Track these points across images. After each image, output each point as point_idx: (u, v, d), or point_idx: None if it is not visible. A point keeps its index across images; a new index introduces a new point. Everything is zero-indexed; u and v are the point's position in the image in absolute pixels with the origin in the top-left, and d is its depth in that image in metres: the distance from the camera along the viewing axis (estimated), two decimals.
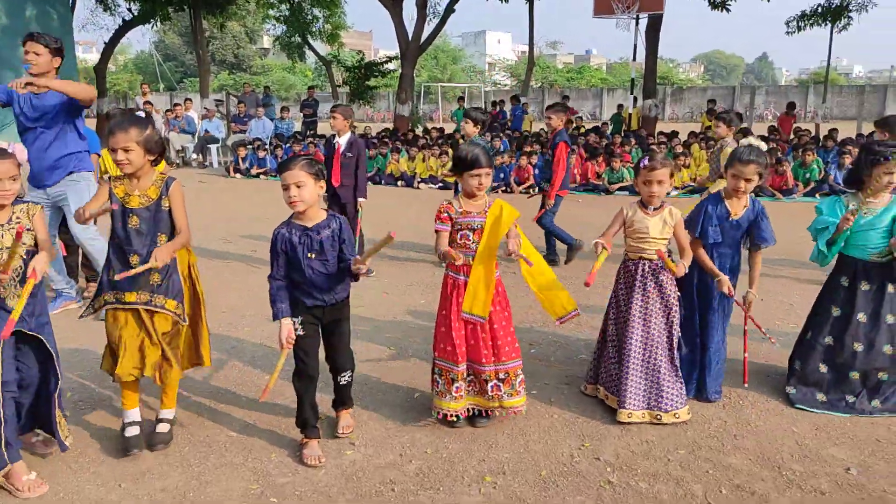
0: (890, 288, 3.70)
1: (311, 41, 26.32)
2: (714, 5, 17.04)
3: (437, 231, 3.57)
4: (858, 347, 3.78)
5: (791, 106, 17.12)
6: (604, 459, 3.38)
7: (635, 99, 18.76)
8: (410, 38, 19.45)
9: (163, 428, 3.52)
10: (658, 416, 3.66)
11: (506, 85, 52.22)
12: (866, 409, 3.77)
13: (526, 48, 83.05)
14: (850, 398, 3.80)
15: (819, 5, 17.98)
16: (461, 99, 22.54)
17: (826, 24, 18.02)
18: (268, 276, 3.30)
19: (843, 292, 3.80)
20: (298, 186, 3.08)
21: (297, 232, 3.20)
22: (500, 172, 12.79)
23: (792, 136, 15.30)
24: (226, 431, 3.66)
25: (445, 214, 3.55)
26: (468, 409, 3.66)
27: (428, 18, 19.91)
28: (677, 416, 3.67)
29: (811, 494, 3.08)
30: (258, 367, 4.52)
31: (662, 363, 3.66)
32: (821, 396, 3.87)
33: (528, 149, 13.73)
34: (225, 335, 5.04)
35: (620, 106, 19.81)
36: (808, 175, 11.98)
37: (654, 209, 3.67)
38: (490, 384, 3.58)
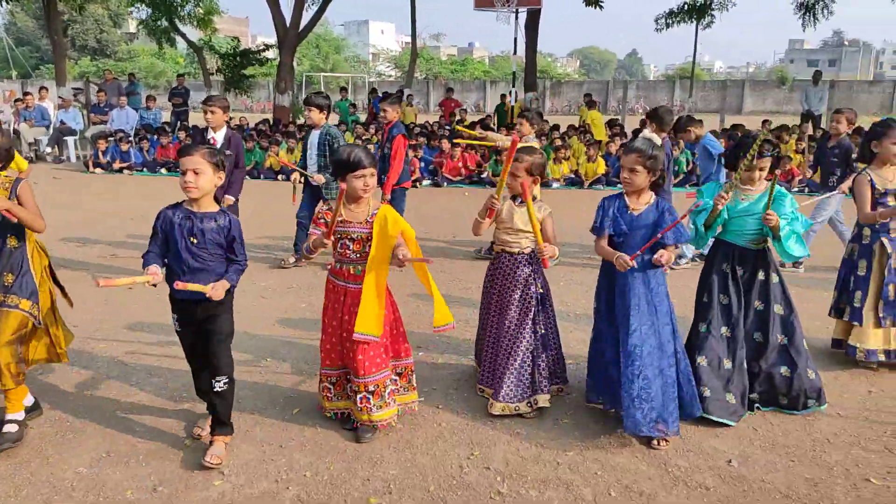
0: (760, 275, 3.75)
1: (179, 25, 24.71)
2: (588, 2, 17.59)
3: (310, 234, 3.44)
4: (757, 336, 3.79)
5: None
6: (493, 468, 3.25)
7: (515, 92, 19.01)
8: (288, 25, 18.70)
9: (10, 428, 3.38)
10: (535, 401, 3.71)
11: (390, 76, 51.85)
12: (755, 402, 3.79)
13: (408, 38, 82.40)
14: (745, 396, 3.73)
15: (685, 3, 19.01)
16: (343, 90, 21.99)
17: (692, 22, 19.11)
18: (142, 254, 3.21)
19: (727, 279, 3.77)
20: (196, 173, 3.06)
21: (181, 214, 3.15)
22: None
23: None
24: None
25: (322, 220, 3.38)
26: (347, 413, 3.63)
27: (307, 5, 19.22)
28: (541, 401, 3.70)
29: (697, 490, 3.09)
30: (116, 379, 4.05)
31: (520, 354, 3.68)
32: (730, 398, 3.67)
33: (412, 141, 13.61)
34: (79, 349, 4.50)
35: (504, 96, 20.04)
36: (675, 168, 12.57)
37: (521, 202, 3.66)
38: (359, 396, 3.46)
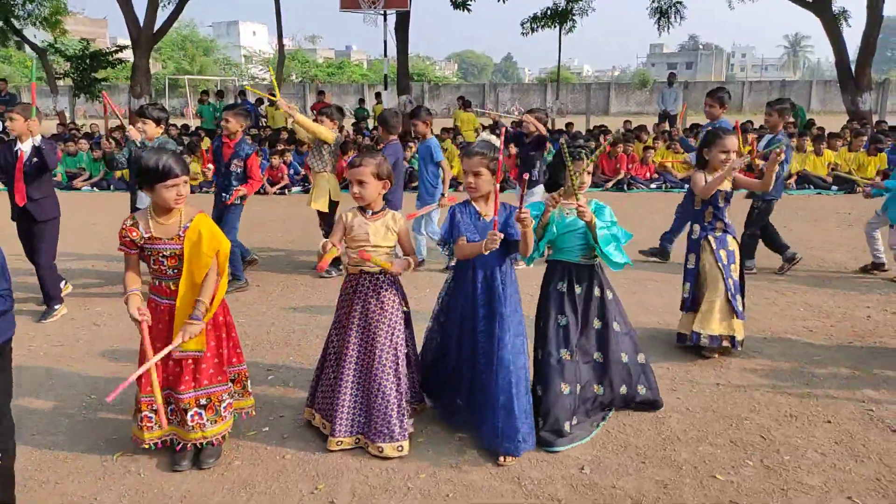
0: (596, 291, 3.68)
1: (20, 26, 22.55)
2: (456, 5, 17.71)
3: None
4: (597, 356, 3.70)
5: (532, 111, 18.41)
6: (338, 502, 3.00)
7: (378, 95, 18.85)
8: (142, 26, 17.54)
9: None
10: (380, 449, 3.31)
11: (264, 79, 50.17)
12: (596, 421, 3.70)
13: (285, 41, 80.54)
14: (590, 419, 3.68)
15: (548, 8, 19.59)
16: (205, 93, 20.74)
17: (555, 27, 19.73)
18: None
19: (563, 298, 3.65)
20: None
21: None
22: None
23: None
24: None
25: (128, 239, 3.00)
26: (169, 440, 3.29)
27: (162, 4, 18.11)
28: (401, 448, 3.32)
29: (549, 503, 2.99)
30: None
31: (386, 388, 3.32)
32: (567, 426, 3.49)
33: (280, 147, 13.12)
34: None
35: (362, 101, 19.88)
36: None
37: (374, 213, 3.37)
38: (190, 413, 3.18)
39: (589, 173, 3.61)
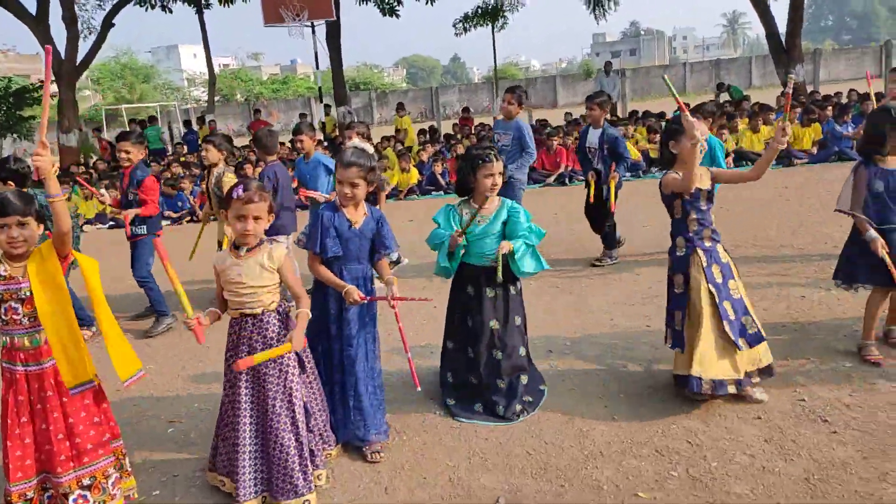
0: (511, 290, 3.68)
1: None
2: (384, 12, 17.48)
3: None
4: (498, 355, 3.70)
5: (465, 110, 18.26)
6: None
7: (327, 106, 18.50)
8: (64, 58, 16.90)
9: None
10: None
11: (206, 101, 49.26)
12: (515, 413, 3.67)
13: (226, 60, 78.74)
14: (501, 407, 3.69)
15: (478, 7, 19.48)
16: (150, 118, 19.96)
17: (487, 24, 19.62)
18: None
19: (471, 301, 3.68)
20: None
21: None
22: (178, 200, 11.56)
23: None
24: None
25: None
26: None
27: (83, 34, 17.51)
28: (307, 503, 3.01)
29: None
30: None
31: (283, 440, 3.01)
32: (478, 406, 3.75)
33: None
34: None
35: (303, 115, 19.56)
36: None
37: (248, 250, 3.04)
38: (73, 497, 2.87)
39: (500, 174, 3.53)
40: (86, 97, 50.17)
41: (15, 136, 19.32)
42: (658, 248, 6.68)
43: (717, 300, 3.50)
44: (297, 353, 3.16)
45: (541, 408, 3.76)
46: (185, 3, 19.00)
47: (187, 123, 18.26)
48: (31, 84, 20.19)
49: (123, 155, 5.57)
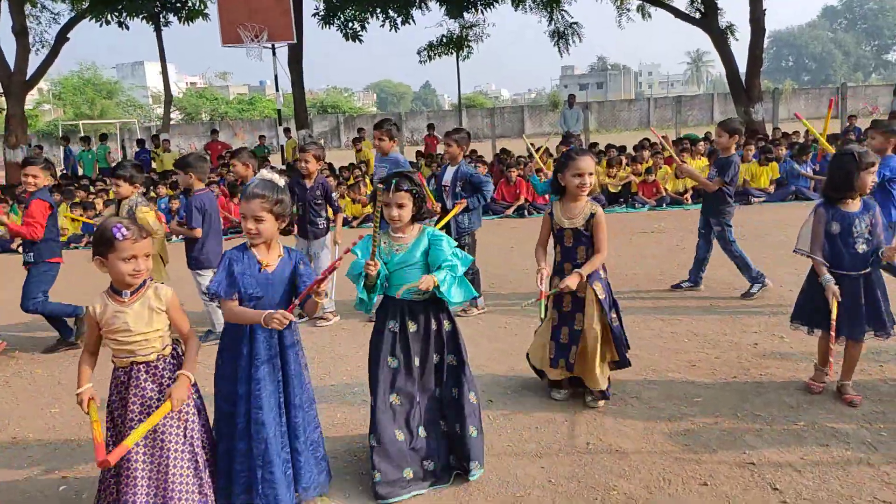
0: (433, 325, 3.31)
1: None
2: (347, 37, 17.34)
3: None
4: (426, 399, 3.34)
5: (430, 127, 18.18)
6: None
7: (287, 130, 18.17)
8: (13, 71, 16.31)
9: None
10: None
11: (171, 119, 48.46)
12: (454, 468, 3.32)
13: (194, 79, 78.01)
14: (429, 464, 3.30)
15: (443, 36, 19.47)
16: (84, 139, 19.12)
17: (451, 54, 19.60)
18: None
19: (395, 339, 3.30)
20: None
21: None
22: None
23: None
24: None
25: None
26: None
27: (35, 48, 16.96)
28: None
29: None
30: None
31: (185, 495, 2.69)
32: (408, 473, 3.25)
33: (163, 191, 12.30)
34: None
35: (262, 137, 19.27)
36: None
37: (132, 293, 2.72)
38: None
39: (402, 205, 3.20)
40: (46, 111, 49.05)
41: None
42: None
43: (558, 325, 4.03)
44: (197, 394, 2.85)
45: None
46: (144, 21, 18.60)
47: (141, 142, 17.74)
48: None
49: (30, 180, 5.24)
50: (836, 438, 3.55)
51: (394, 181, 3.16)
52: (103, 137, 18.11)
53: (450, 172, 5.99)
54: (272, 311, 2.80)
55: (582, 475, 3.37)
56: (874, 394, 4.03)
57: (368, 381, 3.35)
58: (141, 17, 18.44)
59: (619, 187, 12.05)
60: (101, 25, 17.54)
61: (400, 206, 3.16)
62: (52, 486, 3.55)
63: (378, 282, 3.17)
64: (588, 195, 3.91)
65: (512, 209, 11.72)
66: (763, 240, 8.32)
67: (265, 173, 2.94)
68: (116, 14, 17.84)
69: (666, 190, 11.68)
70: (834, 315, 3.73)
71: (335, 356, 5.23)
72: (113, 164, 17.40)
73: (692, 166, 11.92)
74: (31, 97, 47.92)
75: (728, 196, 6.10)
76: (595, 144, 16.05)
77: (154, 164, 16.52)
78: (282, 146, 17.75)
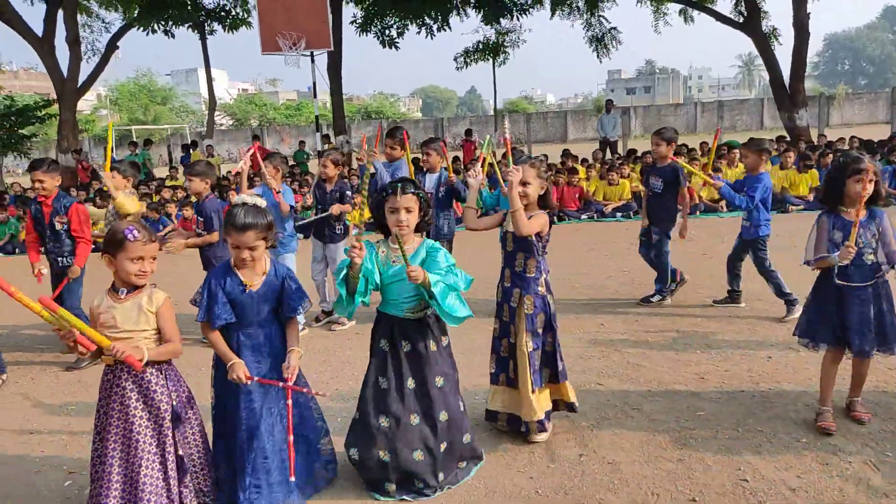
0: (421, 347, 3.24)
1: None
2: (384, 44, 17.56)
3: None
4: (415, 420, 3.27)
5: (468, 133, 18.25)
6: None
7: (326, 136, 18.45)
8: (66, 78, 17.01)
9: None
10: None
11: (221, 125, 49.76)
12: (440, 487, 3.30)
13: (246, 85, 79.17)
14: (419, 483, 3.26)
15: (479, 42, 19.51)
16: (133, 143, 19.74)
17: (488, 60, 19.64)
18: None
19: (387, 358, 3.27)
20: None
21: None
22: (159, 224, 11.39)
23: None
24: None
25: None
26: None
27: (87, 56, 17.65)
28: None
29: None
30: None
31: (153, 496, 2.78)
32: (390, 487, 3.25)
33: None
34: None
35: (302, 143, 19.57)
36: None
37: (128, 292, 2.85)
38: None
39: (408, 210, 3.12)
40: (103, 117, 50.96)
41: (15, 153, 19.40)
42: (618, 295, 6.38)
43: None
44: (173, 406, 2.92)
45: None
46: (189, 29, 19.20)
47: (186, 147, 18.28)
48: (35, 101, 20.32)
49: (37, 185, 5.38)
50: (837, 457, 3.43)
51: (399, 185, 3.09)
52: (147, 143, 18.71)
53: (431, 179, 6.07)
54: (239, 363, 2.93)
55: (570, 487, 3.34)
56: (886, 412, 3.88)
57: (361, 392, 3.34)
58: (187, 26, 19.06)
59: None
60: (147, 34, 18.17)
61: (408, 209, 3.08)
62: (58, 481, 3.69)
63: (366, 287, 3.12)
64: (548, 209, 3.70)
65: None
66: (794, 251, 8.05)
67: (247, 199, 2.98)
68: (163, 23, 18.48)
69: (700, 197, 11.42)
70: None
71: (343, 360, 5.30)
72: (150, 170, 17.99)
73: (726, 175, 11.67)
74: (89, 102, 50.02)
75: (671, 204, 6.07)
76: (633, 151, 15.79)
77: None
78: (319, 152, 18.03)
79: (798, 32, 15.95)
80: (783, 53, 16.83)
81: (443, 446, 3.30)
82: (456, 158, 17.03)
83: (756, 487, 3.22)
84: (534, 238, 3.60)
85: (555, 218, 11.62)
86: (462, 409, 3.40)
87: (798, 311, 5.37)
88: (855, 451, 3.48)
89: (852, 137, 14.12)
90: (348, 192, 6.09)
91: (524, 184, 3.56)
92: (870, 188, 3.54)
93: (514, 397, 3.72)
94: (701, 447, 3.63)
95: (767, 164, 5.68)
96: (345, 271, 3.08)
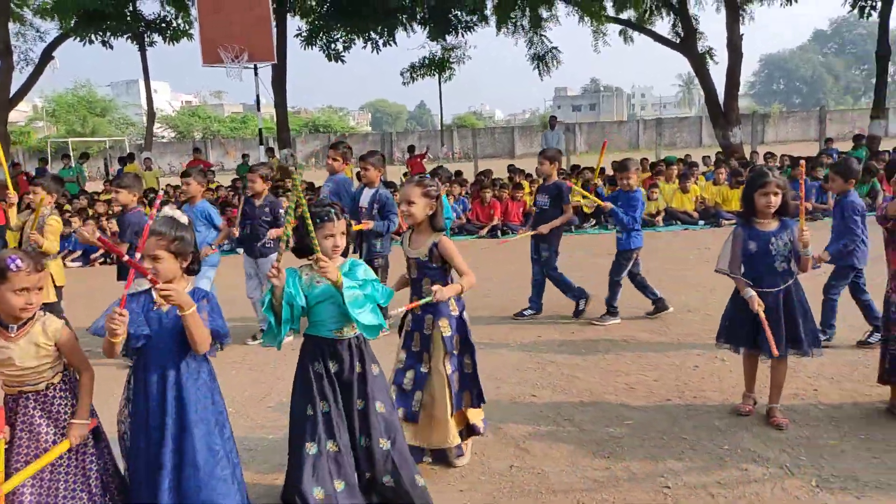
0: (358, 368, 3.14)
1: None
2: (330, 58, 17.55)
3: None
4: (334, 447, 3.08)
5: (411, 149, 18.35)
6: None
7: (270, 150, 18.26)
8: None
9: None
10: None
11: (163, 137, 48.66)
12: None
13: (189, 97, 77.69)
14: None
15: (425, 58, 19.69)
16: (66, 156, 19.05)
17: (434, 75, 19.82)
18: None
19: (318, 382, 3.11)
20: None
21: None
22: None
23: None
24: None
25: None
26: None
27: (20, 66, 17.06)
28: None
29: None
30: None
31: None
32: None
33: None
34: None
35: (246, 156, 19.35)
36: None
37: (19, 327, 2.66)
38: None
39: (343, 234, 3.10)
40: (39, 129, 49.13)
41: None
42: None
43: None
44: (96, 434, 2.82)
45: None
46: (129, 40, 18.76)
47: (123, 160, 17.78)
48: None
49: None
50: (755, 463, 3.56)
51: (332, 210, 3.04)
52: (83, 156, 18.17)
53: (367, 195, 6.05)
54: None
55: (499, 498, 3.37)
56: (804, 418, 4.05)
57: (289, 431, 3.14)
58: (126, 37, 18.63)
59: (593, 208, 12.10)
60: (84, 45, 17.67)
61: (343, 233, 3.07)
62: None
63: (292, 314, 3.03)
64: (435, 228, 3.55)
65: (485, 230, 11.77)
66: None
67: (167, 210, 2.87)
68: (100, 34, 18.01)
69: None
70: (767, 328, 3.72)
71: (276, 377, 5.21)
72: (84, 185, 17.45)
73: (663, 190, 12.04)
74: (24, 114, 48.19)
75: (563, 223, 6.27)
76: (576, 167, 16.17)
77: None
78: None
79: (731, 53, 16.61)
80: (718, 73, 17.49)
81: (386, 479, 3.15)
82: (404, 174, 17.09)
83: (678, 494, 3.31)
84: (437, 262, 3.53)
85: (499, 232, 11.74)
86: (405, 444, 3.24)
87: (612, 321, 6.07)
88: (772, 456, 3.61)
89: (783, 156, 14.75)
90: (281, 210, 6.00)
91: (409, 203, 3.47)
92: (776, 200, 3.74)
93: (416, 430, 3.56)
94: (627, 455, 3.72)
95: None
96: (268, 297, 3.02)
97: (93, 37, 17.84)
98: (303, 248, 3.10)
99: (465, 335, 3.60)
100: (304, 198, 2.84)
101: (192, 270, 2.85)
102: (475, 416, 3.74)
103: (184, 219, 2.83)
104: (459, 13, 18.77)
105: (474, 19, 18.97)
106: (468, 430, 3.74)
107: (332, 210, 3.07)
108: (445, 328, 3.51)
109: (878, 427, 3.88)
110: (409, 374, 3.55)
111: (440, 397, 3.51)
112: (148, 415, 2.72)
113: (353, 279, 3.04)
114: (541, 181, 6.93)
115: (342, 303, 2.98)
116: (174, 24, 19.21)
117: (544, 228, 6.19)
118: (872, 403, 4.18)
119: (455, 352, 3.55)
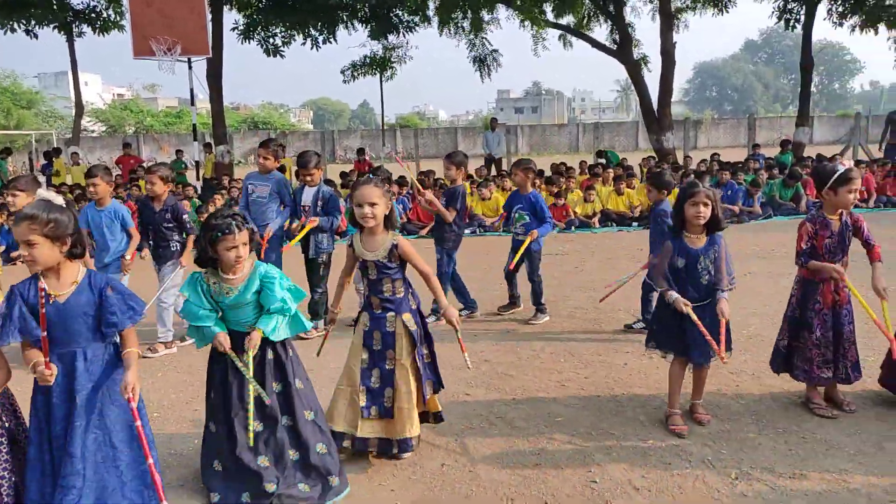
0: (269, 354, 3.33)
1: None
2: (268, 53, 17.23)
3: None
4: (259, 426, 3.28)
5: (360, 152, 18.18)
6: None
7: (207, 146, 17.78)
8: None
9: None
10: None
11: (93, 131, 46.77)
12: (297, 496, 3.24)
13: (122, 90, 74.94)
14: (269, 483, 3.20)
15: (366, 57, 19.56)
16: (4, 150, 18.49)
17: (375, 74, 19.71)
18: None
19: (224, 374, 3.29)
20: None
21: None
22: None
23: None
24: None
25: None
26: None
27: None
28: None
29: None
30: None
31: None
32: (246, 497, 3.21)
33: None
34: None
35: (180, 152, 18.84)
36: None
37: None
38: None
39: (245, 244, 3.17)
40: None
41: None
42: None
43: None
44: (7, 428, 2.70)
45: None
46: (55, 30, 17.93)
47: (48, 154, 17.01)
48: None
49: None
50: (679, 457, 3.66)
51: (233, 222, 3.07)
52: (5, 151, 17.28)
53: (309, 193, 5.98)
54: (39, 361, 2.59)
55: (430, 497, 3.37)
56: (725, 412, 4.19)
57: (206, 412, 3.36)
58: (52, 26, 17.81)
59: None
60: (5, 33, 16.80)
61: (245, 244, 3.14)
62: None
63: (200, 316, 3.24)
64: (392, 228, 3.60)
65: (426, 230, 11.76)
66: None
67: (42, 193, 2.74)
68: (23, 22, 17.17)
69: (575, 213, 11.97)
70: (700, 324, 3.76)
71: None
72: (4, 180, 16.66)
73: (600, 192, 12.28)
74: None
75: (456, 225, 6.30)
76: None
77: (54, 179, 15.83)
78: (197, 162, 17.35)
79: (665, 60, 17.08)
80: (653, 80, 17.95)
81: (292, 453, 3.31)
82: (344, 173, 16.89)
83: (604, 488, 3.38)
84: (396, 262, 3.59)
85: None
86: (314, 418, 3.38)
87: (543, 318, 6.24)
88: (695, 451, 3.72)
89: (713, 155, 15.27)
90: (185, 216, 5.70)
91: (372, 204, 3.47)
92: (705, 212, 3.80)
93: (387, 424, 3.62)
94: (556, 452, 3.77)
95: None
96: (203, 328, 3.23)
97: (15, 25, 17.02)
98: (205, 260, 3.18)
99: (425, 327, 3.72)
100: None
101: (74, 254, 2.73)
102: (435, 404, 3.84)
103: (59, 200, 2.71)
104: (401, 13, 18.74)
105: (416, 20, 18.96)
106: (434, 417, 3.85)
107: (233, 222, 3.10)
108: (411, 322, 3.62)
109: (794, 420, 4.05)
110: (375, 373, 3.62)
111: (406, 391, 3.58)
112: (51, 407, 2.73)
113: (270, 300, 3.21)
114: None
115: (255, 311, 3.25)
116: (104, 15, 18.47)
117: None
118: (790, 397, 4.36)
119: (418, 343, 3.65)
